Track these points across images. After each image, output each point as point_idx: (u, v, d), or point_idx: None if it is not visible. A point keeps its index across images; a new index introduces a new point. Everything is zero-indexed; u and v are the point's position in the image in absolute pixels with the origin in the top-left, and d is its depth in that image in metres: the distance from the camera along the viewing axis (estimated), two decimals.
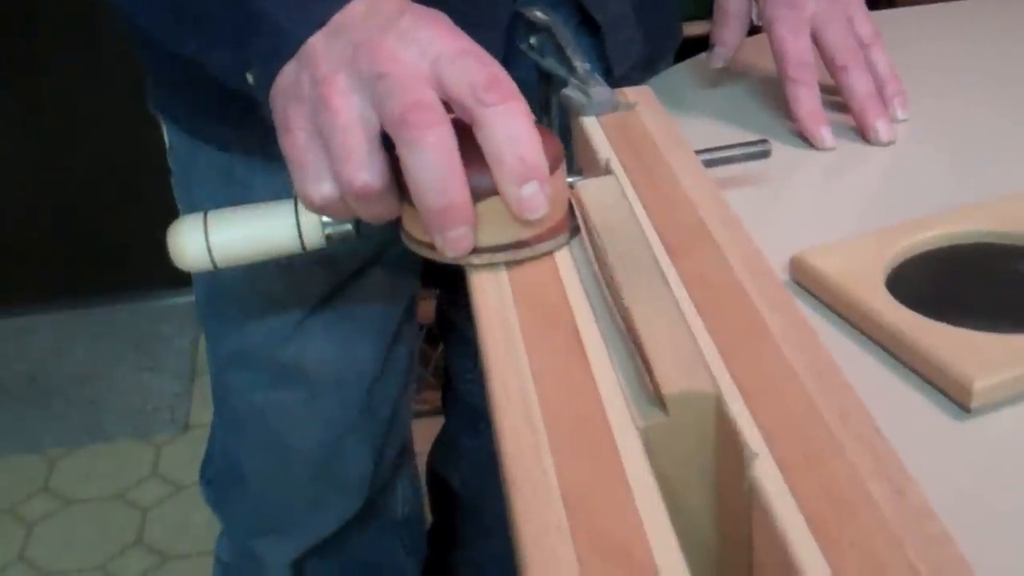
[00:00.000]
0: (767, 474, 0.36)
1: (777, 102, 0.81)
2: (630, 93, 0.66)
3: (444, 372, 1.21)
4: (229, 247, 0.59)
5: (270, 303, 0.86)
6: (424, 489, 1.21)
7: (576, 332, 0.45)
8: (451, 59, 0.49)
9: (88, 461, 1.91)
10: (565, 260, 0.51)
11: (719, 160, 0.64)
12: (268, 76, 0.53)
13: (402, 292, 0.93)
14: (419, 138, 0.47)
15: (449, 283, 1.12)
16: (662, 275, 0.48)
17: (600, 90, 0.64)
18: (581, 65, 0.64)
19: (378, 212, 0.52)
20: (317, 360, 0.88)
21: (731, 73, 0.88)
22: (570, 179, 0.58)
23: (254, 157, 0.79)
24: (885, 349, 0.53)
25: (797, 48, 0.76)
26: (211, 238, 0.58)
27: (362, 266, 0.86)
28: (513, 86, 0.49)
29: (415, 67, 0.49)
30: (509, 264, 0.51)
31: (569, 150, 0.69)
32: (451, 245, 0.49)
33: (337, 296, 0.86)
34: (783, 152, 0.75)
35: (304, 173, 0.51)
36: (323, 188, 0.51)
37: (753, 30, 0.85)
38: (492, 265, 0.51)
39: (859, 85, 0.75)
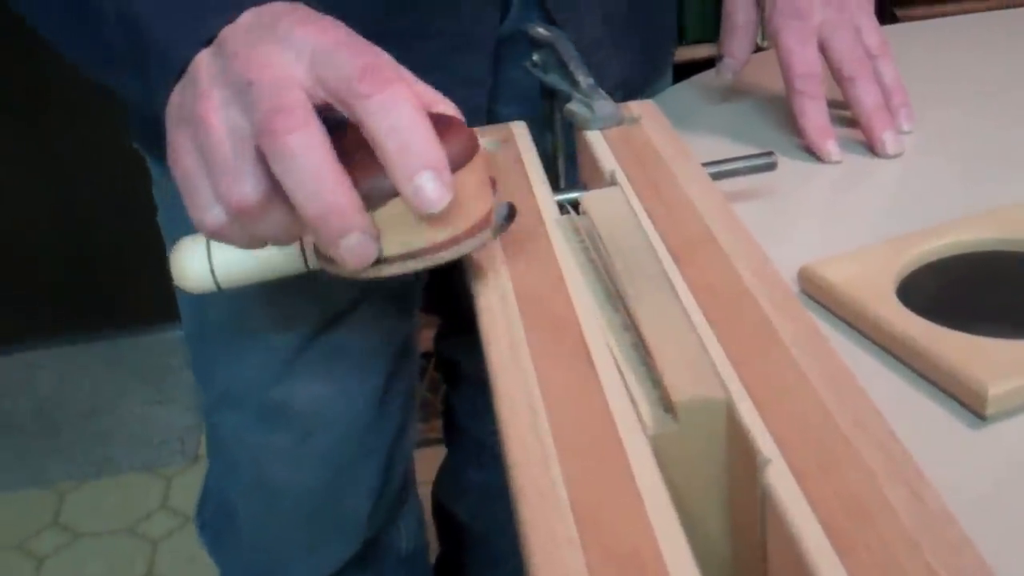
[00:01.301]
0: (780, 480, 0.35)
1: (783, 117, 0.80)
2: (634, 107, 0.66)
3: (444, 405, 1.19)
4: (232, 267, 0.58)
5: (258, 341, 0.83)
6: (428, 519, 1.19)
7: (583, 342, 0.45)
8: (325, 54, 0.46)
9: (97, 494, 1.90)
10: (571, 270, 0.50)
11: (725, 173, 0.64)
12: (164, 99, 0.51)
13: (397, 329, 0.90)
14: (282, 145, 0.44)
15: (448, 314, 1.10)
16: (669, 284, 0.47)
17: (604, 104, 0.63)
18: (584, 80, 0.64)
19: (274, 231, 0.48)
20: (309, 400, 0.86)
21: (736, 90, 0.88)
22: (574, 193, 0.58)
23: None
24: (897, 358, 0.52)
25: (804, 59, 0.75)
26: (214, 258, 0.58)
27: (353, 301, 0.84)
28: (392, 70, 0.45)
29: (286, 71, 0.46)
30: (512, 274, 0.49)
31: (574, 165, 0.68)
32: (349, 256, 0.46)
33: (328, 333, 0.84)
34: (789, 165, 0.74)
35: (193, 199, 0.48)
36: (212, 213, 0.48)
37: (757, 50, 0.84)
38: (496, 282, 0.50)
39: (867, 97, 0.74)
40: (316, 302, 0.81)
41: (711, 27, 1.92)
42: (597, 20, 0.78)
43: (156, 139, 0.81)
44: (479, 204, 0.48)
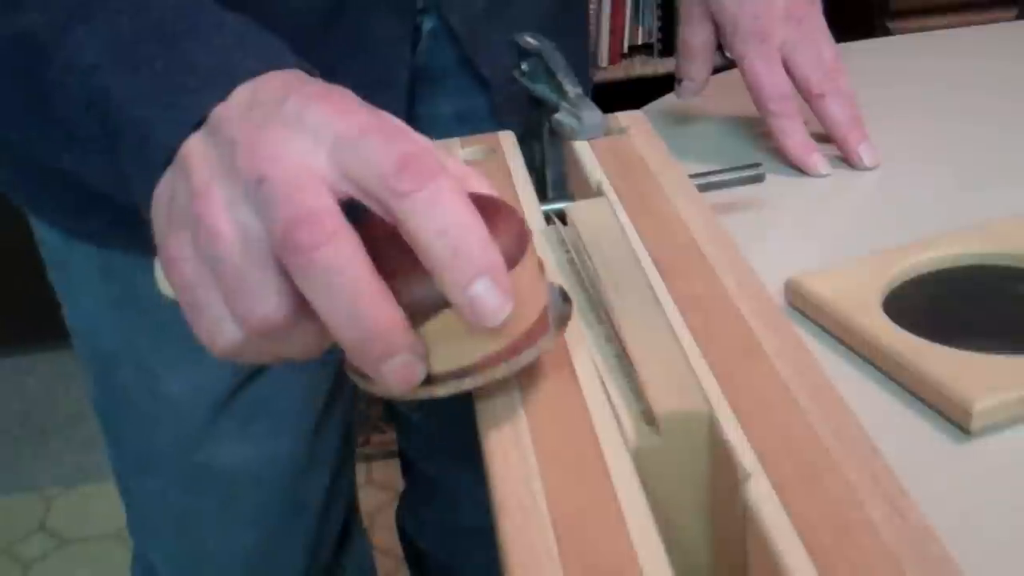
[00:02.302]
0: (762, 494, 0.35)
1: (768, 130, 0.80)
2: (622, 118, 0.66)
3: (398, 446, 1.15)
4: None
5: (171, 405, 0.78)
6: (393, 540, 1.17)
7: (566, 354, 0.44)
8: (351, 143, 0.39)
9: (85, 500, 1.90)
10: (555, 280, 0.50)
11: (713, 184, 0.64)
12: (147, 192, 0.44)
13: (320, 376, 0.84)
14: (310, 262, 0.37)
15: None
16: (654, 296, 0.47)
17: (591, 114, 0.63)
18: (572, 89, 0.63)
19: (300, 349, 0.42)
20: (232, 462, 0.81)
21: (724, 102, 0.88)
22: (561, 204, 0.58)
23: (134, 253, 0.69)
24: (883, 372, 0.52)
25: (773, 81, 0.75)
26: None
27: None
28: (433, 161, 0.38)
29: (303, 163, 0.39)
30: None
31: (562, 175, 0.68)
32: (393, 379, 0.39)
33: (245, 392, 0.79)
34: (776, 177, 0.74)
35: (198, 315, 0.41)
36: (225, 332, 0.41)
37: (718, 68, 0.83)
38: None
39: (839, 111, 0.74)
40: (228, 362, 0.77)
41: None
42: (513, 49, 0.75)
43: (49, 204, 0.75)
44: (535, 301, 0.41)
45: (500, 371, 0.40)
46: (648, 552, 0.34)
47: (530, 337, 0.40)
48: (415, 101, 0.74)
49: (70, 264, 0.78)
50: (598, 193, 0.58)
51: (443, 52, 0.75)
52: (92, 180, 0.51)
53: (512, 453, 0.39)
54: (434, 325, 0.39)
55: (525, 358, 0.40)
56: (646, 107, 0.90)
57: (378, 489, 1.88)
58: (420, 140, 0.40)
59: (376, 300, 0.38)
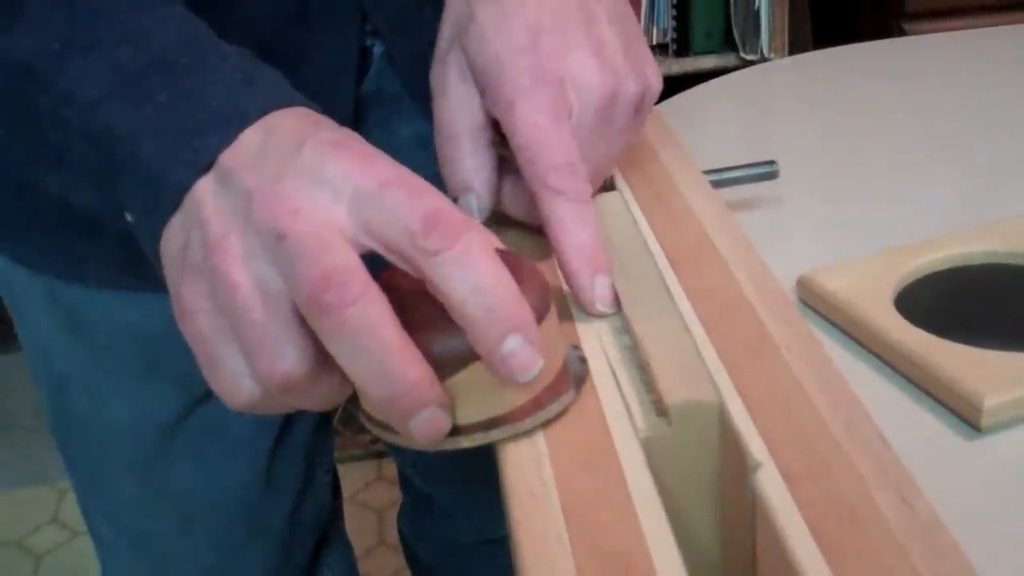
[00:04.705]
0: (770, 484, 0.35)
1: (786, 126, 0.80)
2: None
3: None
4: None
5: (122, 431, 0.77)
6: (389, 546, 1.15)
7: (578, 343, 0.45)
8: (372, 198, 0.38)
9: None
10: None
11: (726, 180, 0.64)
12: (151, 232, 0.43)
13: None
14: (337, 324, 0.37)
15: None
16: (666, 289, 0.47)
17: None
18: None
19: (322, 399, 0.41)
20: (186, 486, 0.79)
21: (740, 99, 0.88)
22: None
23: (71, 282, 0.71)
24: (894, 368, 0.53)
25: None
26: None
27: None
28: (459, 217, 0.38)
29: (324, 218, 0.38)
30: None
31: None
32: (419, 432, 0.39)
33: (194, 417, 0.77)
34: (790, 175, 0.74)
35: (215, 370, 0.41)
36: (243, 387, 0.40)
37: (746, 63, 0.83)
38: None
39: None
40: (176, 385, 0.75)
41: (716, 39, 1.98)
42: None
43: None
44: (556, 354, 0.41)
45: (526, 424, 0.40)
46: (658, 540, 0.34)
47: (553, 390, 0.40)
48: (370, 125, 0.70)
49: (15, 287, 0.76)
50: (611, 187, 0.58)
51: (390, 76, 0.71)
52: (78, 202, 0.50)
53: (523, 441, 0.40)
54: (460, 377, 0.39)
55: (550, 411, 0.40)
56: (659, 104, 0.91)
57: (389, 485, 1.89)
58: (444, 197, 0.39)
59: (405, 358, 0.37)
